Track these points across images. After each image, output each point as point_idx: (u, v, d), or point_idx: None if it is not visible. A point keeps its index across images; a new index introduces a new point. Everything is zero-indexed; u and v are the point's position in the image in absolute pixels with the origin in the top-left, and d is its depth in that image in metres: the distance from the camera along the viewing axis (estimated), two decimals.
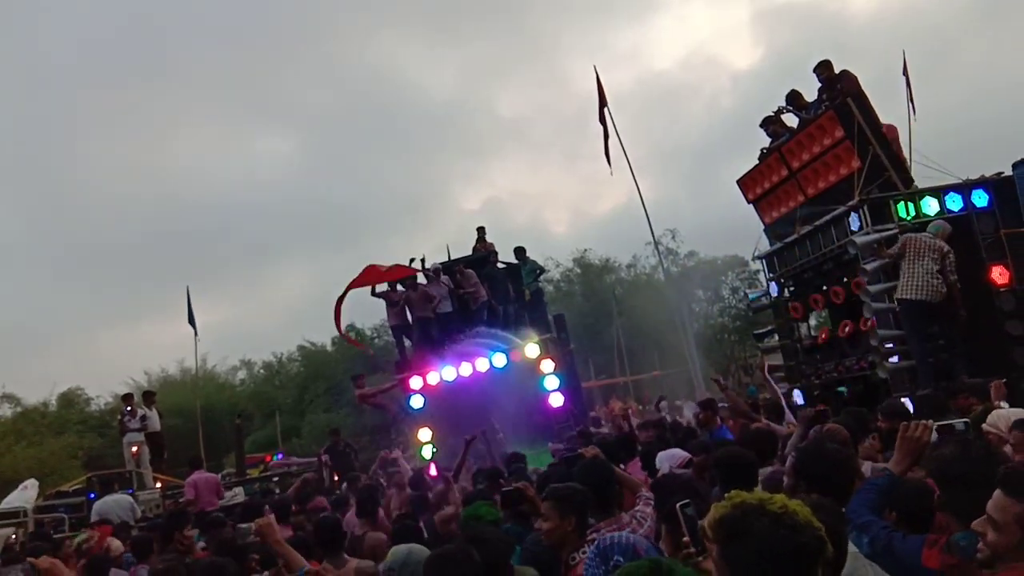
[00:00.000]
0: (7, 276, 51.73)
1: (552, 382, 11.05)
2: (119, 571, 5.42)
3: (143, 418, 13.02)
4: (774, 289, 9.94)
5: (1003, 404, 4.63)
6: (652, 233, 19.02)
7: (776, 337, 10.01)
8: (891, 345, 7.51)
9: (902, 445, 2.71)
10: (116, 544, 5.96)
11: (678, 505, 2.25)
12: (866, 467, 3.86)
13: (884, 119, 8.25)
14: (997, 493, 2.03)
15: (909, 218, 7.76)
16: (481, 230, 14.23)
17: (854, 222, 7.89)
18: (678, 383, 23.29)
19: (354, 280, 12.13)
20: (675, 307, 22.15)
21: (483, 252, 13.48)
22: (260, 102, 70.21)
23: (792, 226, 9.01)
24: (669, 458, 5.10)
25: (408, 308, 12.41)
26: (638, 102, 60.99)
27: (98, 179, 60.39)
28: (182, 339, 50.88)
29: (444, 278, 12.34)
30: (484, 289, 12.37)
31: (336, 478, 11.39)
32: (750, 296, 12.70)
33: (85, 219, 59.25)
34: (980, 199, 7.91)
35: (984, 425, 3.88)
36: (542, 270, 15.48)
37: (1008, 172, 8.05)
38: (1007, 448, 3.51)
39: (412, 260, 12.56)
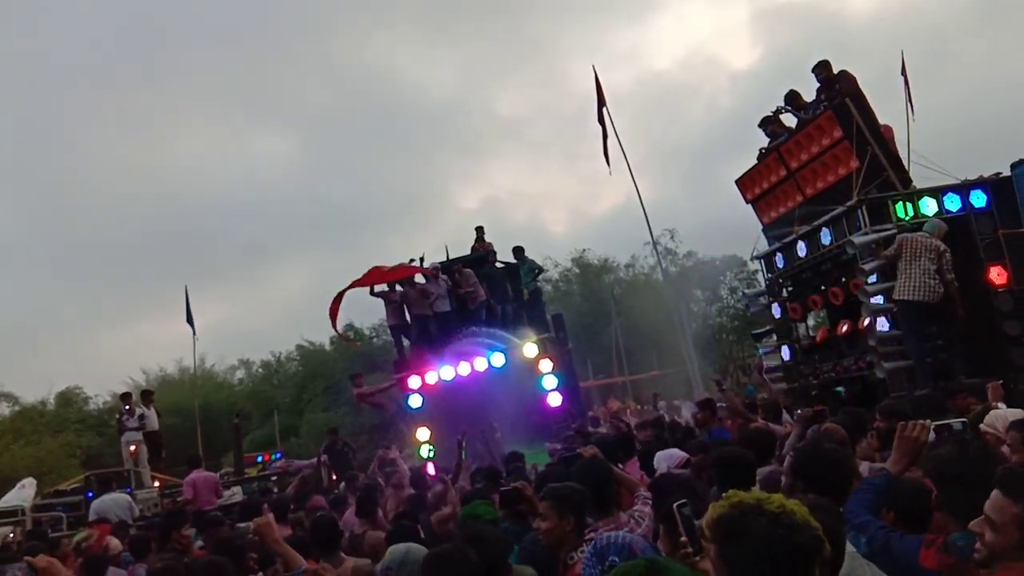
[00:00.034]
0: (7, 276, 51.68)
1: (550, 382, 11.06)
2: (117, 570, 5.43)
3: (141, 417, 13.02)
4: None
5: (1000, 405, 4.62)
6: (651, 233, 19.07)
7: (774, 337, 10.01)
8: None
9: (900, 445, 2.71)
10: (114, 543, 5.97)
11: (675, 505, 2.25)
12: (864, 467, 3.87)
13: (882, 119, 8.24)
14: (995, 493, 2.03)
15: (907, 218, 7.76)
16: (480, 230, 14.21)
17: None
18: (676, 383, 23.26)
19: (357, 280, 12.11)
20: (673, 307, 22.17)
21: (482, 252, 13.48)
22: (260, 102, 70.12)
23: (791, 226, 9.01)
24: (667, 458, 5.11)
25: (406, 306, 12.41)
26: (637, 102, 60.95)
27: (98, 179, 60.30)
28: (180, 338, 50.91)
29: (443, 277, 12.35)
30: (483, 289, 12.37)
31: (334, 477, 11.40)
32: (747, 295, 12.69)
33: (85, 219, 59.24)
34: (978, 199, 7.90)
35: (982, 425, 3.88)
36: (541, 270, 15.48)
37: (1006, 173, 8.06)
38: (1004, 448, 3.51)
39: (412, 260, 12.57)
